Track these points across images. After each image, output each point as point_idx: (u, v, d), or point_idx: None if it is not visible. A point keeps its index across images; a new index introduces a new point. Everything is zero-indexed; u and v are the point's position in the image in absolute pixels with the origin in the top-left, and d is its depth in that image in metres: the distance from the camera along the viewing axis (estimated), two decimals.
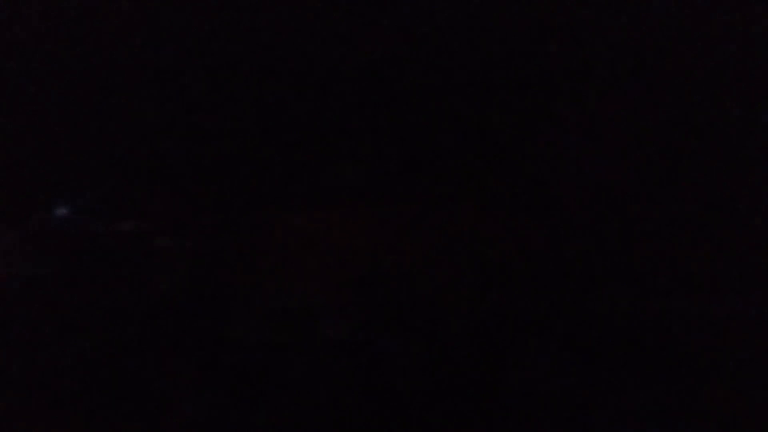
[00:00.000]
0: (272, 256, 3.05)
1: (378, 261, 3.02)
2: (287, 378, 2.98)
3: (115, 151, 3.11)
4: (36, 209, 3.14)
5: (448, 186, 2.99)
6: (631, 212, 2.91)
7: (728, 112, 2.83)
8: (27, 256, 3.11)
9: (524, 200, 2.96)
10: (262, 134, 3.06)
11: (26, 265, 3.10)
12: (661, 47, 2.89)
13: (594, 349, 2.90)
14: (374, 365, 2.97)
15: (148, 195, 3.11)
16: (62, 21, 3.08)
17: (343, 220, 3.05)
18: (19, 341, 3.03)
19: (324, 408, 2.93)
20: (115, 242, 3.10)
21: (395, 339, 2.97)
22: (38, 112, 3.14)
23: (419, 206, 3.01)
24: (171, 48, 3.06)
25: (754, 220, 2.82)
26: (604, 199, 2.93)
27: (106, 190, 3.13)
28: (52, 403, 2.98)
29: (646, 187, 2.90)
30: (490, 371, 2.92)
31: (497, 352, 2.93)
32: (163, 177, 3.10)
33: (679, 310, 2.87)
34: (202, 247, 3.07)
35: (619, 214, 2.93)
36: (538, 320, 2.92)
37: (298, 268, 3.04)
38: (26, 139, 3.13)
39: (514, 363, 2.92)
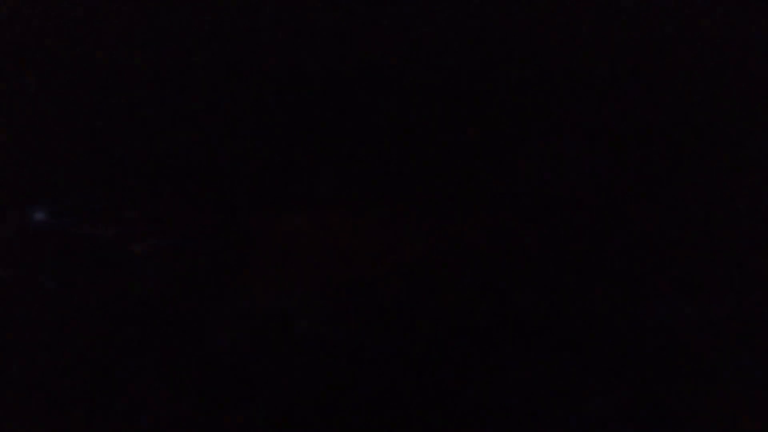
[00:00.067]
0: (251, 260, 3.02)
1: (360, 264, 3.00)
2: (265, 381, 2.97)
3: (93, 155, 3.07)
4: (12, 212, 3.10)
5: (432, 190, 2.97)
6: (629, 213, 2.92)
7: (728, 112, 2.84)
8: (1, 260, 3.07)
9: (516, 203, 2.95)
10: (241, 140, 3.01)
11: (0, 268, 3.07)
12: (660, 47, 2.89)
13: (592, 351, 2.91)
14: (353, 368, 2.96)
15: (126, 200, 3.06)
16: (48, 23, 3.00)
17: (324, 223, 3.03)
18: None
19: (304, 411, 2.92)
20: (93, 246, 3.08)
21: (376, 342, 2.96)
22: (14, 115, 3.07)
23: (403, 209, 2.99)
24: (152, 52, 3.00)
25: (755, 220, 2.84)
26: (602, 200, 2.93)
27: (84, 195, 3.10)
28: (24, 404, 2.95)
29: (645, 187, 2.91)
30: (476, 373, 2.93)
31: (484, 355, 2.93)
32: (141, 182, 3.04)
33: (679, 311, 2.89)
34: (180, 252, 3.02)
35: (617, 214, 2.93)
36: (536, 322, 2.92)
37: (277, 272, 3.02)
38: (1, 142, 3.07)
39: (503, 365, 2.93)
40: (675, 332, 2.88)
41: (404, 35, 2.96)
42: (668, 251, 2.91)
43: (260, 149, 3.04)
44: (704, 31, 2.88)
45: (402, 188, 3.00)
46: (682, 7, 2.89)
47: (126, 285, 3.04)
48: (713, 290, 2.88)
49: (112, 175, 3.07)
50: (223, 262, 3.03)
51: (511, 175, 2.96)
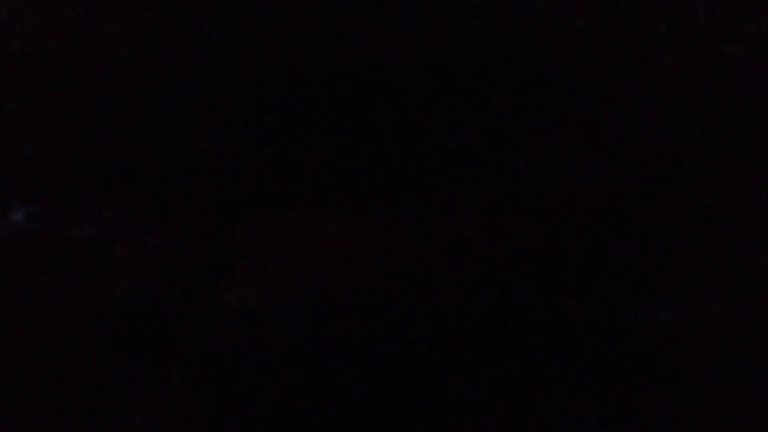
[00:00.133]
0: (232, 262, 3.00)
1: (358, 264, 2.98)
2: (262, 382, 2.95)
3: (73, 155, 3.02)
4: None
5: (431, 190, 2.96)
6: (629, 213, 2.92)
7: (728, 112, 2.85)
8: None
9: (516, 203, 2.95)
10: (236, 139, 2.99)
11: None
12: (660, 47, 2.90)
13: (592, 351, 2.92)
14: (350, 369, 2.95)
15: (110, 200, 3.04)
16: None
17: (322, 223, 3.01)
18: None
19: (298, 412, 2.90)
20: (73, 248, 3.05)
21: (372, 343, 2.96)
22: None
23: (402, 210, 2.98)
24: (150, 52, 2.96)
25: (755, 220, 2.86)
26: (602, 200, 2.93)
27: (64, 196, 3.05)
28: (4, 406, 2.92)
29: (645, 187, 2.92)
30: (476, 373, 2.92)
31: (483, 356, 2.93)
32: (126, 182, 3.02)
33: (679, 311, 2.90)
34: (160, 254, 3.00)
35: (617, 215, 2.94)
36: (535, 322, 2.92)
37: (257, 274, 3.00)
38: None
39: (503, 365, 2.92)
40: (675, 332, 2.90)
41: (404, 35, 2.94)
42: (668, 251, 2.92)
43: (257, 149, 3.01)
44: (704, 31, 2.90)
45: (401, 188, 2.98)
46: (682, 7, 2.90)
47: (110, 286, 3.01)
48: (713, 290, 2.90)
49: (96, 175, 3.03)
50: (214, 263, 3.01)
51: (510, 176, 2.95)
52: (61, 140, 3.03)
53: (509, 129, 2.96)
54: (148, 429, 2.91)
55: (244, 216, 3.02)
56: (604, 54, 2.94)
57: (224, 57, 2.98)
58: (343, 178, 2.99)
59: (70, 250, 3.05)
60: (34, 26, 3.02)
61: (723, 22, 2.90)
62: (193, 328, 2.96)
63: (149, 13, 2.95)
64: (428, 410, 2.90)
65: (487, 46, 2.95)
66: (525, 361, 2.91)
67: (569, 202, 2.95)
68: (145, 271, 3.01)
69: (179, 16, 2.96)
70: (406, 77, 2.96)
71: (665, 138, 2.94)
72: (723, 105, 2.92)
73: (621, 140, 2.95)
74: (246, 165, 3.01)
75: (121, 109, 3.02)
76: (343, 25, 2.91)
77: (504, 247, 2.96)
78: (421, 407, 2.90)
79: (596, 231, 2.94)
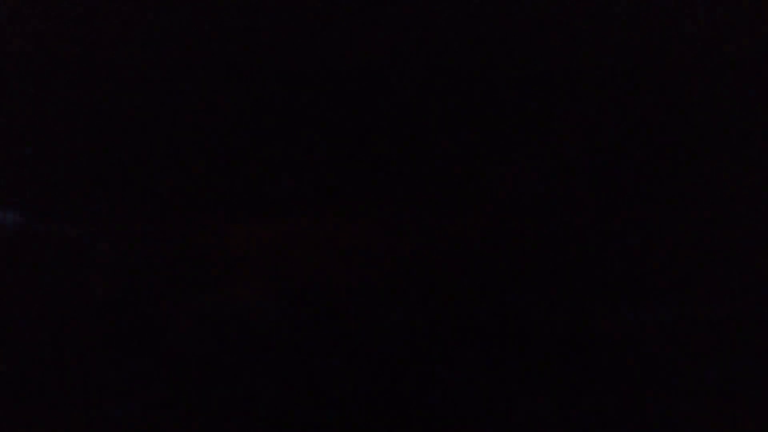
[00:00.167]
0: (213, 262, 2.99)
1: (355, 264, 2.98)
2: (241, 383, 2.94)
3: (56, 154, 3.01)
4: None
5: (430, 190, 2.96)
6: (628, 213, 2.92)
7: (727, 112, 2.85)
8: None
9: (516, 203, 2.95)
10: (205, 141, 2.98)
11: None
12: (660, 47, 2.90)
13: (591, 351, 2.92)
14: (346, 370, 2.94)
15: (89, 199, 3.02)
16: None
17: (319, 223, 3.01)
18: None
19: (282, 413, 2.89)
20: (54, 246, 3.04)
21: (369, 343, 2.95)
22: None
23: (401, 210, 2.98)
24: (149, 52, 2.95)
25: (755, 220, 2.87)
26: (602, 200, 2.93)
27: (60, 195, 3.05)
28: None
29: (645, 187, 2.92)
30: (474, 374, 2.92)
31: (482, 356, 2.93)
32: (105, 181, 3.01)
33: (678, 312, 2.90)
34: (159, 254, 2.99)
35: (616, 215, 2.93)
36: (534, 322, 2.92)
37: (239, 275, 2.99)
38: None
39: (502, 365, 2.92)
40: (675, 332, 2.90)
41: (404, 35, 2.94)
42: (667, 251, 2.92)
43: (256, 149, 3.00)
44: (704, 31, 2.90)
45: (401, 188, 2.98)
46: (682, 7, 2.90)
47: (108, 286, 3.00)
48: (713, 290, 2.90)
49: (93, 174, 3.02)
50: (212, 263, 3.00)
51: (510, 176, 2.95)
52: (60, 140, 3.03)
53: (509, 129, 2.96)
54: (145, 430, 2.91)
55: (244, 216, 3.01)
56: (603, 54, 2.94)
57: (224, 57, 2.98)
58: (343, 178, 2.99)
59: (68, 250, 3.04)
60: (34, 26, 3.02)
61: (723, 22, 2.90)
62: (192, 328, 2.95)
63: (149, 13, 2.95)
64: (428, 410, 2.89)
65: (487, 46, 2.95)
66: (525, 361, 2.91)
67: (569, 202, 2.95)
68: (144, 270, 3.01)
69: (179, 16, 2.96)
70: (406, 77, 2.96)
71: (665, 138, 2.94)
72: (723, 105, 2.92)
73: (621, 140, 2.95)
74: (245, 165, 3.00)
75: (119, 108, 3.02)
76: (343, 25, 2.91)
77: (504, 247, 2.95)
78: (421, 407, 2.89)
79: (595, 231, 2.94)
